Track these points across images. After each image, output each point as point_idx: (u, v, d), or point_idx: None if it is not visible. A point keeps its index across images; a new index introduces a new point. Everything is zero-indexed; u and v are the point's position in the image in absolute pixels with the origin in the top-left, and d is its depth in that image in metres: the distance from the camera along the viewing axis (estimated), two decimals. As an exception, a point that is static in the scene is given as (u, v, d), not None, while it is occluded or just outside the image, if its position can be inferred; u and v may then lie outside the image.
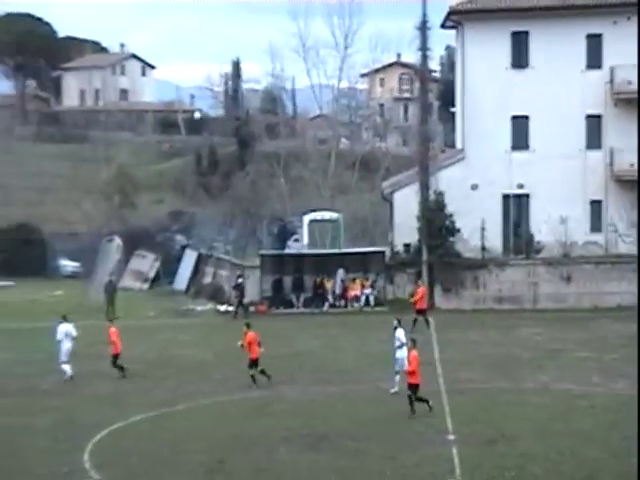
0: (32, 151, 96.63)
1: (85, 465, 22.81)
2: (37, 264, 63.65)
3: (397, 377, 28.98)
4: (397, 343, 29.52)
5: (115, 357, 32.61)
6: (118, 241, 58.67)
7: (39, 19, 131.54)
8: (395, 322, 30.21)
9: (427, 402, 26.70)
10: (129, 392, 30.66)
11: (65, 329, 32.80)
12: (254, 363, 30.77)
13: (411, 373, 26.59)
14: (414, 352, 26.89)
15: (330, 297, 48.57)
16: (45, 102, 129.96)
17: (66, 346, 32.51)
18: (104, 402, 29.25)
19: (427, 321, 40.75)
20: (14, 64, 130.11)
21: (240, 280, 47.69)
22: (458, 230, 48.03)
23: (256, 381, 30.67)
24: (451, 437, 24.54)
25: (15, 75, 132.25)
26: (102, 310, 47.24)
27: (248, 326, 31.45)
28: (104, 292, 48.80)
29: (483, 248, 48.49)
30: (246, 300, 47.67)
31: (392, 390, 29.06)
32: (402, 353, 28.70)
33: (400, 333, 29.67)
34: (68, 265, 65.50)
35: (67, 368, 32.36)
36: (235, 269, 50.24)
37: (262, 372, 30.81)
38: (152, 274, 58.74)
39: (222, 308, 48.13)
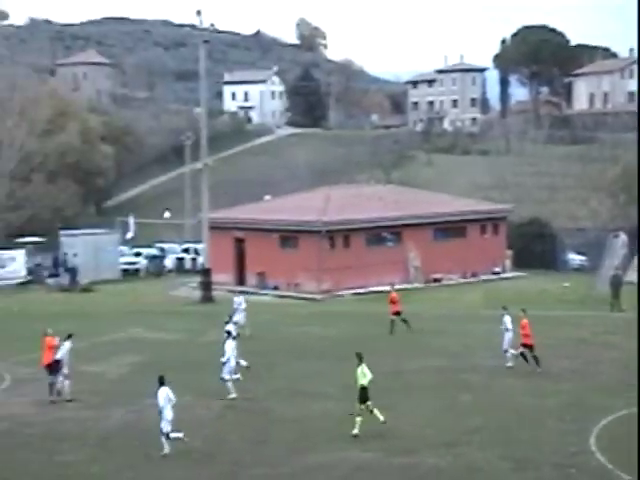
0: (543, 152, 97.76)
1: (591, 447, 22.64)
2: (547, 257, 64.19)
3: None
4: None
5: (527, 347, 31.18)
6: (624, 237, 57.38)
7: (553, 30, 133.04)
8: None
9: None
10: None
11: (510, 320, 32.37)
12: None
13: None
14: None
15: None
16: (556, 107, 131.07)
17: (508, 336, 32.09)
18: (610, 389, 28.68)
19: None
20: (529, 72, 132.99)
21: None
22: None
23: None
24: None
25: (530, 82, 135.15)
26: (606, 302, 46.49)
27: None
28: (609, 285, 47.96)
29: None
30: None
31: None
32: None
33: None
34: (575, 259, 65.36)
35: (510, 355, 31.95)
36: None
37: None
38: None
39: None
